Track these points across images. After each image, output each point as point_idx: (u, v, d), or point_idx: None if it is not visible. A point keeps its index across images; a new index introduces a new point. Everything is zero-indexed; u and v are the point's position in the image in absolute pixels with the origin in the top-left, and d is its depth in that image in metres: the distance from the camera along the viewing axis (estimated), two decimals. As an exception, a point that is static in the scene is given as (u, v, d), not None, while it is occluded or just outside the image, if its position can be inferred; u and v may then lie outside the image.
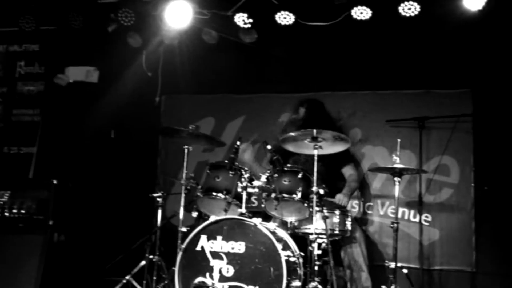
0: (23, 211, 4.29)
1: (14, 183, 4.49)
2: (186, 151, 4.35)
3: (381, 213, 5.16)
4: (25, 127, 5.70)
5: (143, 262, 4.37)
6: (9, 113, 5.77)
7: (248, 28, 5.21)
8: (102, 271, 4.52)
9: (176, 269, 3.76)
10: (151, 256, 4.35)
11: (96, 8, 5.50)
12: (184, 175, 4.31)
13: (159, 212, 4.52)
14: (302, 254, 3.98)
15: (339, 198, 4.55)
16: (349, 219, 4.30)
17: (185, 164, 4.31)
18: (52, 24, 5.61)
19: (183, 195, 4.31)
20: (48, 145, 5.57)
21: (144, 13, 5.38)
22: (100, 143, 5.52)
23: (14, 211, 4.31)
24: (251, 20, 5.17)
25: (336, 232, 4.21)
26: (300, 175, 4.03)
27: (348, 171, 4.89)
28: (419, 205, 4.92)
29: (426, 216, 5.04)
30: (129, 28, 5.44)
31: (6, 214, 4.31)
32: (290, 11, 5.12)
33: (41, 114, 5.69)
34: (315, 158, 3.95)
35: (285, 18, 5.14)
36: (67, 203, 4.46)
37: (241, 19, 5.19)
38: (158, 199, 4.53)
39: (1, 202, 4.36)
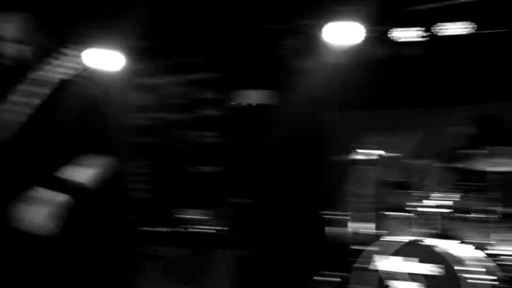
0: (217, 228, 4.70)
1: (206, 202, 4.95)
2: (367, 171, 4.38)
3: None
4: (209, 148, 6.19)
5: (322, 278, 4.46)
6: (194, 136, 6.31)
7: (412, 41, 5.15)
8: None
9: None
10: (330, 273, 4.44)
11: (265, 33, 5.85)
12: (363, 193, 4.37)
13: (336, 229, 4.61)
14: (504, 278, 3.77)
15: None
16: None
17: (365, 182, 4.36)
18: (227, 51, 6.07)
19: (359, 213, 4.35)
20: (230, 165, 5.98)
21: (310, 35, 5.58)
22: (277, 161, 5.79)
23: (209, 227, 4.73)
24: (416, 33, 5.10)
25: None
26: (488, 193, 3.88)
27: None
28: None
29: None
30: (297, 50, 5.68)
31: (201, 230, 4.75)
32: (457, 21, 4.97)
33: (222, 136, 6.14)
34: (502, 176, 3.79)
35: (453, 28, 5.00)
36: (255, 220, 4.77)
37: (405, 33, 5.15)
38: (334, 217, 4.63)
39: (197, 219, 4.83)
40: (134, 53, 6.47)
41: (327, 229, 4.70)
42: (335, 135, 5.88)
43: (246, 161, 5.81)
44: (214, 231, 4.73)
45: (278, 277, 5.03)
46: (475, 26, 4.96)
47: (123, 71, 6.46)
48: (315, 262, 4.62)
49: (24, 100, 2.61)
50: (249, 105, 6.05)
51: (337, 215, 4.68)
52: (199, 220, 4.83)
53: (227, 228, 4.71)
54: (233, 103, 6.10)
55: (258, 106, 6.01)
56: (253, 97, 6.09)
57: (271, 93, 6.06)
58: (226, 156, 6.03)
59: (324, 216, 4.71)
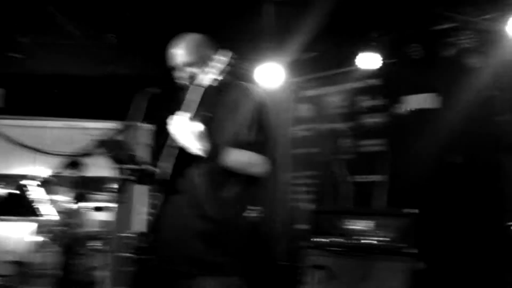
0: (387, 239, 4.56)
1: (375, 212, 4.84)
2: None
3: None
4: (374, 157, 6.06)
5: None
6: (358, 145, 6.24)
7: None
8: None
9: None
10: None
11: (431, 35, 5.58)
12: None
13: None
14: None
15: None
16: None
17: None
18: (392, 57, 5.91)
19: None
20: (396, 173, 5.79)
21: (484, 31, 5.19)
22: (446, 169, 5.47)
23: (379, 238, 4.61)
24: None
25: None
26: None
27: None
28: None
29: None
30: (468, 49, 5.31)
31: (367, 240, 4.65)
32: None
33: (387, 144, 5.97)
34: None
35: None
36: (424, 231, 4.55)
37: None
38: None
39: (362, 229, 4.74)
40: (295, 66, 6.64)
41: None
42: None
43: (412, 169, 5.56)
44: (381, 242, 4.57)
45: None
46: None
47: (285, 84, 6.65)
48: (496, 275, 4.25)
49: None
50: (414, 110, 5.80)
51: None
52: (364, 231, 4.71)
53: (394, 239, 4.52)
54: (398, 109, 5.89)
55: (424, 110, 5.73)
56: (418, 101, 5.82)
57: (438, 96, 5.74)
58: (391, 164, 5.83)
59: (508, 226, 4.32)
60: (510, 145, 5.32)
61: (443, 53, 5.51)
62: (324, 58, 6.45)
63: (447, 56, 5.50)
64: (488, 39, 5.20)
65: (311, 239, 4.94)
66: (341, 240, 4.76)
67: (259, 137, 2.81)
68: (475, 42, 5.26)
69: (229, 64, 2.82)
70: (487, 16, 5.17)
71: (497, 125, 5.48)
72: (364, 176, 6.10)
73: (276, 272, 6.13)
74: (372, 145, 6.13)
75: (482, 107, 5.40)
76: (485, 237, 5.09)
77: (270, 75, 6.37)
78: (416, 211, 4.36)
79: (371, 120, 6.20)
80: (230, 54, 2.83)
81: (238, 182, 2.83)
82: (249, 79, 5.89)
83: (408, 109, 5.87)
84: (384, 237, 4.57)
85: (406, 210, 4.49)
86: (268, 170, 2.83)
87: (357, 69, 6.15)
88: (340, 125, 6.41)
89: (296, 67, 6.65)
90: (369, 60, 5.88)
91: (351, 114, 6.38)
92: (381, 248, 4.53)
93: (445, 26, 5.49)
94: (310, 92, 6.80)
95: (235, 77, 2.88)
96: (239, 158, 2.77)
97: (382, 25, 5.77)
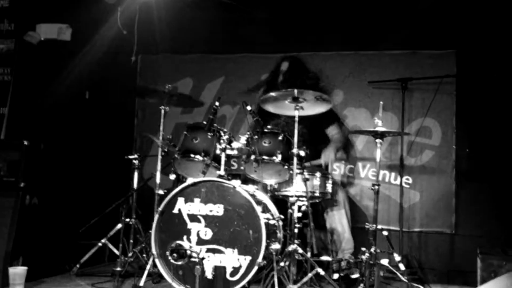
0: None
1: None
2: (162, 112, 4.31)
3: (362, 175, 5.13)
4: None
5: (119, 225, 4.31)
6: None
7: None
8: (76, 235, 4.41)
9: (153, 232, 3.69)
10: (127, 219, 4.31)
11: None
12: (161, 136, 4.25)
13: (136, 174, 4.44)
14: (282, 217, 3.94)
15: (326, 153, 4.52)
16: (330, 181, 4.24)
17: (161, 125, 4.27)
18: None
19: (160, 157, 4.27)
20: (20, 105, 5.34)
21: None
22: (74, 103, 5.32)
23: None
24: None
25: (317, 194, 4.14)
26: (280, 137, 3.94)
27: (332, 130, 4.83)
28: (400, 168, 4.88)
29: (407, 179, 5.02)
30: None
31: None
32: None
33: (12, 73, 5.44)
34: (296, 119, 3.84)
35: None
36: (39, 165, 4.29)
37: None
38: (134, 161, 4.45)
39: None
40: None
41: (131, 174, 4.45)
42: (138, 77, 5.64)
43: (37, 102, 5.20)
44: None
45: (76, 225, 4.66)
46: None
47: None
48: (118, 208, 4.37)
49: None
50: (43, 40, 5.41)
51: (142, 160, 4.48)
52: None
53: (7, 173, 4.14)
54: (27, 37, 5.40)
55: (56, 41, 5.40)
56: (51, 31, 5.45)
57: (72, 28, 5.48)
58: (15, 94, 5.35)
59: (129, 161, 4.45)
60: (134, 88, 5.55)
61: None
62: None
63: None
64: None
65: None
66: None
67: None
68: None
69: None
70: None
71: (129, 65, 5.64)
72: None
73: None
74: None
75: (112, 45, 5.41)
76: (107, 169, 5.23)
77: None
78: (25, 142, 4.04)
79: (-5, 45, 5.54)
80: None
81: None
82: None
83: (39, 38, 5.44)
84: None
85: (13, 142, 4.13)
86: None
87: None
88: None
89: None
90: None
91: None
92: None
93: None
94: None
95: None
96: None
97: None
